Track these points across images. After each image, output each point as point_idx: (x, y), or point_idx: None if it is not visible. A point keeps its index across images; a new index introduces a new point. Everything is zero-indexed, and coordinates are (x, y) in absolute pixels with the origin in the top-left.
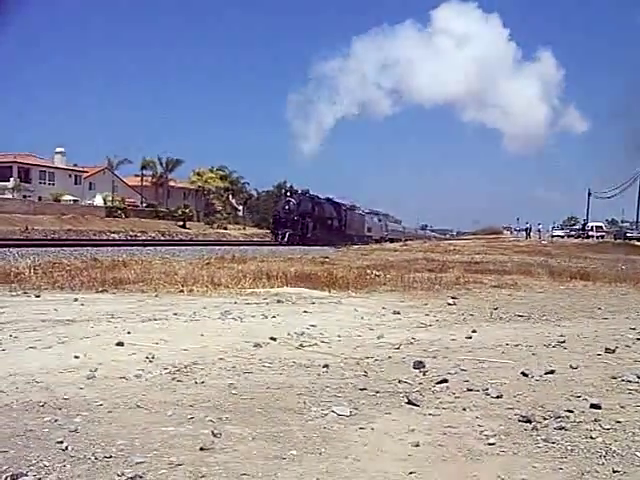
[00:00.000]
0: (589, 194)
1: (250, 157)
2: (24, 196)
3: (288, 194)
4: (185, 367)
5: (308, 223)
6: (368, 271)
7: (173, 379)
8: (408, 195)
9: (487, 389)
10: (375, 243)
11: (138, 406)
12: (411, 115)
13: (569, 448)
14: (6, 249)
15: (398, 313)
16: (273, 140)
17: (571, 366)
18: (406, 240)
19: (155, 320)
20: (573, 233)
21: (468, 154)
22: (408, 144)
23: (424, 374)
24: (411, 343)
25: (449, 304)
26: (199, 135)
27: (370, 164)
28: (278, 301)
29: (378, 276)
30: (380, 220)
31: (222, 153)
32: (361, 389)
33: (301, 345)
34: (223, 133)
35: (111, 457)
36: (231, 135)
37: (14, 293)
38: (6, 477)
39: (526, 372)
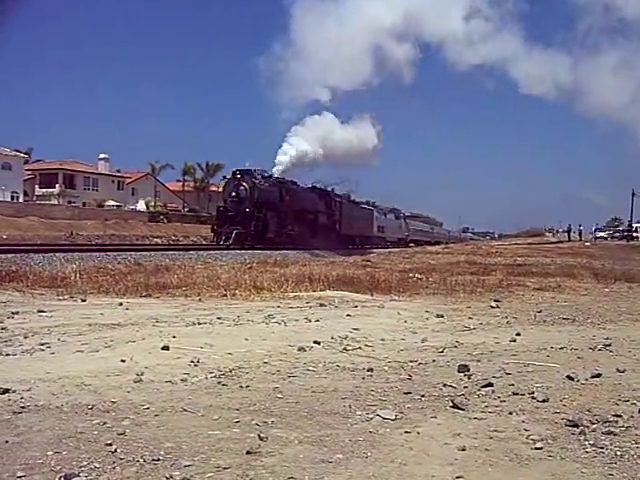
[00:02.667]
0: (633, 194)
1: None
2: (69, 202)
3: (238, 175)
4: (230, 371)
5: (269, 217)
6: (410, 274)
7: (219, 383)
8: (448, 197)
9: (533, 393)
10: (390, 246)
11: (184, 410)
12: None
13: (618, 453)
14: (52, 254)
15: (441, 316)
16: None
17: (618, 369)
18: (447, 243)
19: (199, 324)
20: (617, 234)
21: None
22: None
23: (469, 378)
24: (455, 346)
25: (492, 307)
26: (239, 139)
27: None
28: (321, 305)
29: (420, 279)
30: (397, 218)
31: (262, 157)
32: (406, 393)
33: (345, 349)
34: (263, 136)
35: (159, 460)
36: (271, 138)
37: (61, 297)
38: (60, 477)
39: (572, 375)
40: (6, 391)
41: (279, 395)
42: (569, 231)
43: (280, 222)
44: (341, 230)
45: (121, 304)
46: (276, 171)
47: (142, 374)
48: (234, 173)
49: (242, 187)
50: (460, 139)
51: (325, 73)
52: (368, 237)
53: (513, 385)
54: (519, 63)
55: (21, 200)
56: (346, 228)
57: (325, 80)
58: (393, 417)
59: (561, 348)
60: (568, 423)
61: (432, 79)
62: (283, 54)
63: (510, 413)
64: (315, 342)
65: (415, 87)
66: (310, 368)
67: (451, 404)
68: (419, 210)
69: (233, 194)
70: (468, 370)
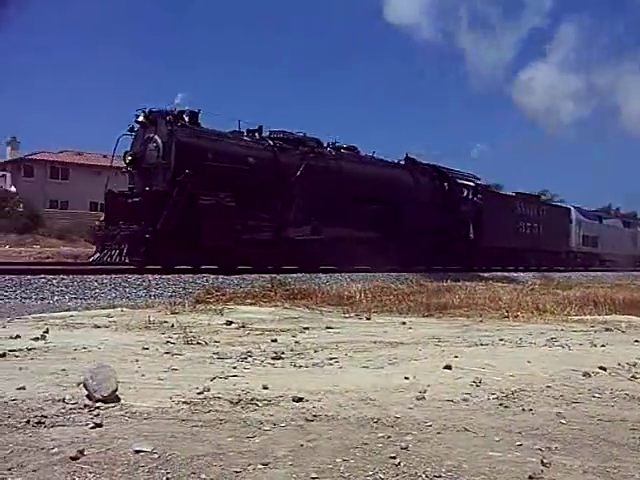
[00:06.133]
0: None
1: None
2: None
3: (145, 122)
4: (512, 393)
5: (207, 206)
6: None
7: (500, 405)
8: None
9: None
10: (607, 269)
11: (465, 429)
12: None
13: None
14: (338, 274)
15: None
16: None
17: None
18: None
19: (481, 345)
20: None
21: None
22: None
23: None
24: None
25: None
26: None
27: None
28: (607, 329)
29: None
30: (628, 225)
31: None
32: None
33: (634, 377)
34: None
35: (440, 477)
36: None
37: (346, 315)
38: None
39: None
40: (300, 400)
41: (562, 421)
42: None
43: (269, 219)
44: (480, 240)
45: (404, 323)
46: None
47: (424, 392)
48: (137, 117)
49: (153, 144)
50: None
51: None
52: (560, 254)
53: None
54: None
55: None
56: (491, 237)
57: None
58: None
59: None
60: None
61: None
62: None
63: None
64: (600, 368)
65: None
66: (595, 395)
67: None
68: None
69: (130, 158)
70: None
